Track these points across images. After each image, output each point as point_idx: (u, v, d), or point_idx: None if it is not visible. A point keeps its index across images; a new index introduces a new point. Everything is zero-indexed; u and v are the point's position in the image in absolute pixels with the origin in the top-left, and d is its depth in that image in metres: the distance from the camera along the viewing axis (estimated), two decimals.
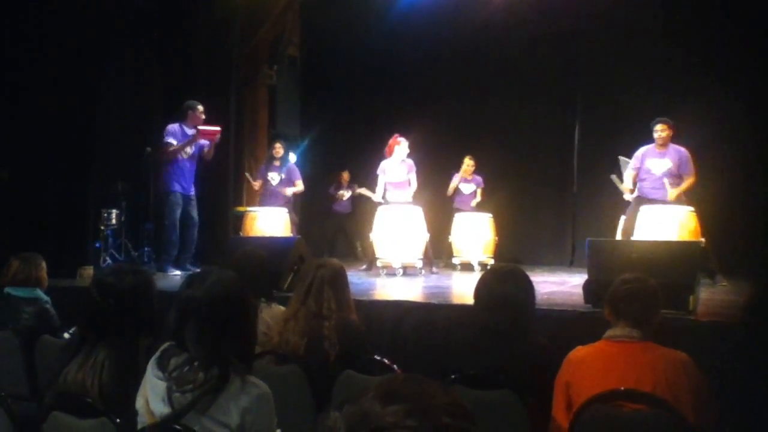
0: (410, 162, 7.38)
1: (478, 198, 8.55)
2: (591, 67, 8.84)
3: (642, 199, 6.36)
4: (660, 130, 6.28)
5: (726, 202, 7.36)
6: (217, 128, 6.87)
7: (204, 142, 6.88)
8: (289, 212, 7.98)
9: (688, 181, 6.24)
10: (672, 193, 6.18)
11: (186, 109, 6.92)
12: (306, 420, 2.64)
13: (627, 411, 2.24)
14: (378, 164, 7.50)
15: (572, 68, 9.00)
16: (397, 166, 7.33)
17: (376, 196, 7.46)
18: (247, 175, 8.49)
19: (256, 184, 8.14)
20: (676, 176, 6.27)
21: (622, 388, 2.28)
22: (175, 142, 6.75)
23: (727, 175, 7.29)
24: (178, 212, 6.80)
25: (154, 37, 7.97)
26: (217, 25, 8.13)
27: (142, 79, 7.89)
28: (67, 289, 5.34)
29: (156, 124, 7.35)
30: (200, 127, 6.80)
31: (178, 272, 6.69)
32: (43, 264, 4.18)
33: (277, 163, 8.10)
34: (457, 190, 8.54)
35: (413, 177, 7.39)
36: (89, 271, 6.47)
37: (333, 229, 10.11)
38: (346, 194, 9.95)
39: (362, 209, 8.17)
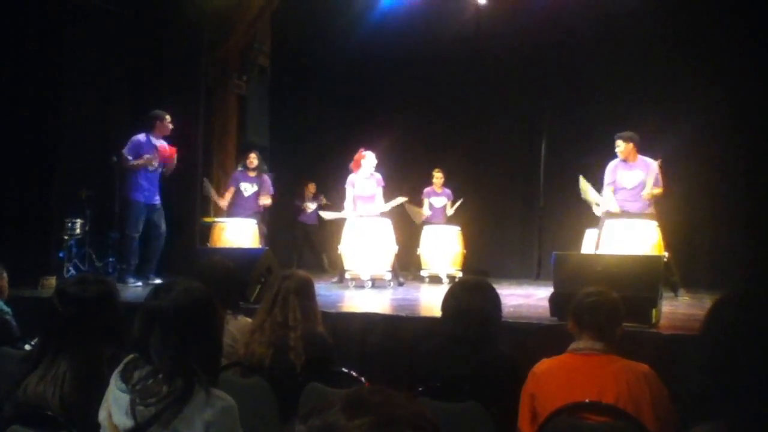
0: (378, 176, 7.39)
1: (451, 210, 8.60)
2: (558, 82, 8.98)
3: (617, 213, 6.40)
4: (617, 146, 6.38)
5: (689, 215, 7.52)
6: (173, 151, 6.85)
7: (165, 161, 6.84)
8: (258, 223, 7.90)
9: (658, 190, 6.32)
10: (645, 193, 6.24)
11: (153, 119, 6.82)
12: None
13: (591, 423, 2.27)
14: (347, 175, 7.50)
15: (539, 83, 9.14)
16: (366, 180, 7.34)
17: (344, 213, 7.40)
18: (212, 192, 8.03)
19: (223, 202, 7.90)
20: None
21: (586, 400, 2.31)
22: (130, 158, 6.67)
23: (689, 188, 7.45)
24: (140, 222, 6.70)
25: (122, 43, 7.87)
26: (187, 33, 8.08)
27: (108, 85, 7.79)
28: (28, 299, 5.23)
29: (122, 132, 7.25)
30: (160, 145, 6.76)
31: (139, 283, 6.59)
32: (4, 273, 4.10)
33: (251, 174, 8.00)
34: (429, 205, 8.59)
35: (380, 192, 7.38)
36: (52, 281, 6.33)
37: (300, 240, 10.13)
38: (311, 206, 10.00)
39: (328, 221, 8.12)
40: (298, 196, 10.20)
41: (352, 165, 7.39)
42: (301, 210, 10.08)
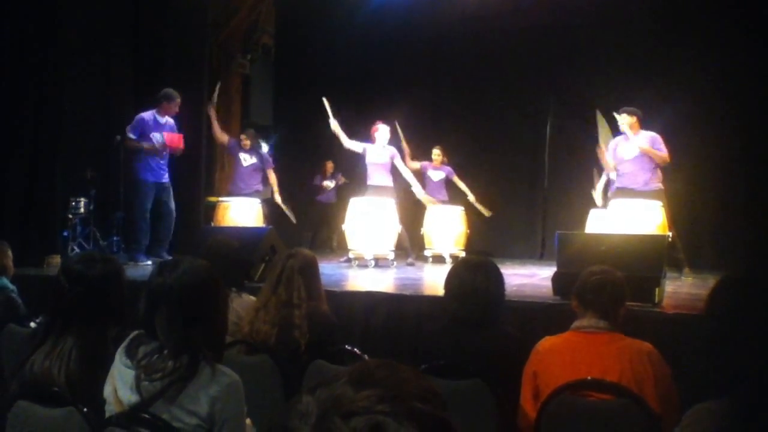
0: (392, 149, 7.36)
1: (465, 188, 8.51)
2: (563, 61, 8.91)
3: (621, 191, 6.38)
4: (622, 120, 6.35)
5: (694, 195, 7.50)
6: (180, 138, 6.86)
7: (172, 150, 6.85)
8: (261, 202, 7.91)
9: (660, 153, 6.23)
10: (642, 146, 6.19)
11: (161, 98, 6.78)
12: (277, 410, 2.64)
13: (593, 400, 2.28)
14: (350, 154, 7.51)
15: (545, 62, 9.07)
16: (379, 150, 7.32)
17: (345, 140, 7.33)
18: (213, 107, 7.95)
19: (222, 136, 7.88)
20: (649, 158, 6.29)
21: (589, 378, 2.32)
22: (133, 136, 6.66)
23: (695, 167, 7.42)
24: (149, 201, 6.73)
25: (126, 23, 7.81)
26: (191, 13, 8.01)
27: (112, 64, 7.73)
28: (33, 277, 5.25)
29: (127, 112, 7.23)
30: (167, 134, 6.75)
31: (149, 262, 6.61)
32: (9, 252, 4.11)
33: (247, 147, 7.97)
34: (426, 178, 8.51)
35: (399, 163, 7.34)
36: (56, 260, 6.35)
37: (316, 219, 9.98)
38: (330, 184, 9.88)
39: (346, 201, 8.02)
40: (318, 175, 10.01)
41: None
42: (321, 189, 9.94)
